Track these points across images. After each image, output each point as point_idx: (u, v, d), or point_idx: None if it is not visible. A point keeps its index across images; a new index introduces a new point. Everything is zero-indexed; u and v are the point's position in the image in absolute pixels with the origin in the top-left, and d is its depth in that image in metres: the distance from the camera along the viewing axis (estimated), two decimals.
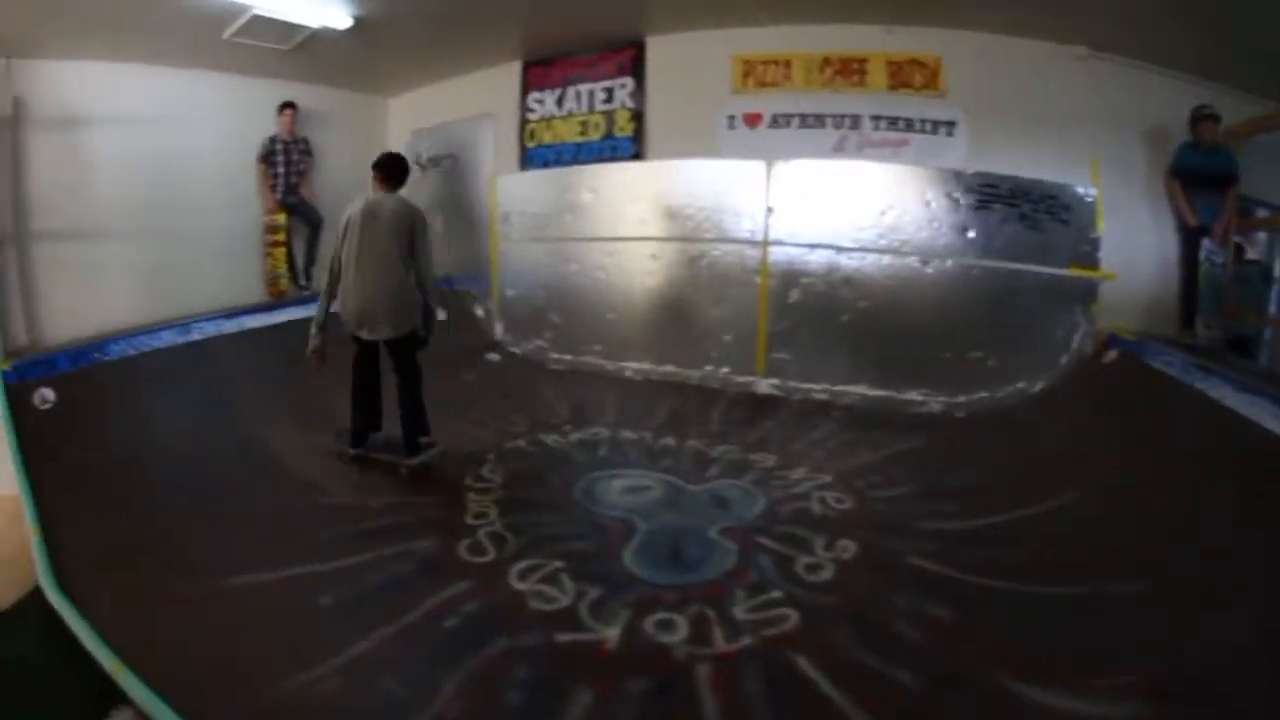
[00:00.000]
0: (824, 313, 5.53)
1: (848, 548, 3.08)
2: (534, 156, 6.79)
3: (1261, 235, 5.80)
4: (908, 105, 5.57)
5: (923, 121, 5.56)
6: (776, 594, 2.72)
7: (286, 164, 6.38)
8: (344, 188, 6.46)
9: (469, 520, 3.42)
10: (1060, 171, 5.13)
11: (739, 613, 2.60)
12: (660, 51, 6.24)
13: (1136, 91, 5.18)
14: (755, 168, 5.61)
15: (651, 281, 6.06)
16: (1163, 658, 2.21)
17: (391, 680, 2.25)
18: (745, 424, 4.95)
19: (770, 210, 5.60)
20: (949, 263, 5.29)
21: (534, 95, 6.75)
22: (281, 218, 6.42)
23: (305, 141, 6.54)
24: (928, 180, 5.30)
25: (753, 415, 5.14)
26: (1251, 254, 5.74)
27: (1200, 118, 4.86)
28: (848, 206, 5.43)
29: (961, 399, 5.16)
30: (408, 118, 7.47)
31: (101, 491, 3.43)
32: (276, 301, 6.07)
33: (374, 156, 7.91)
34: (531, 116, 6.77)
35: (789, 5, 5.53)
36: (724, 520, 3.39)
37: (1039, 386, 5.05)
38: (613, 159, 6.38)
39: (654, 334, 6.07)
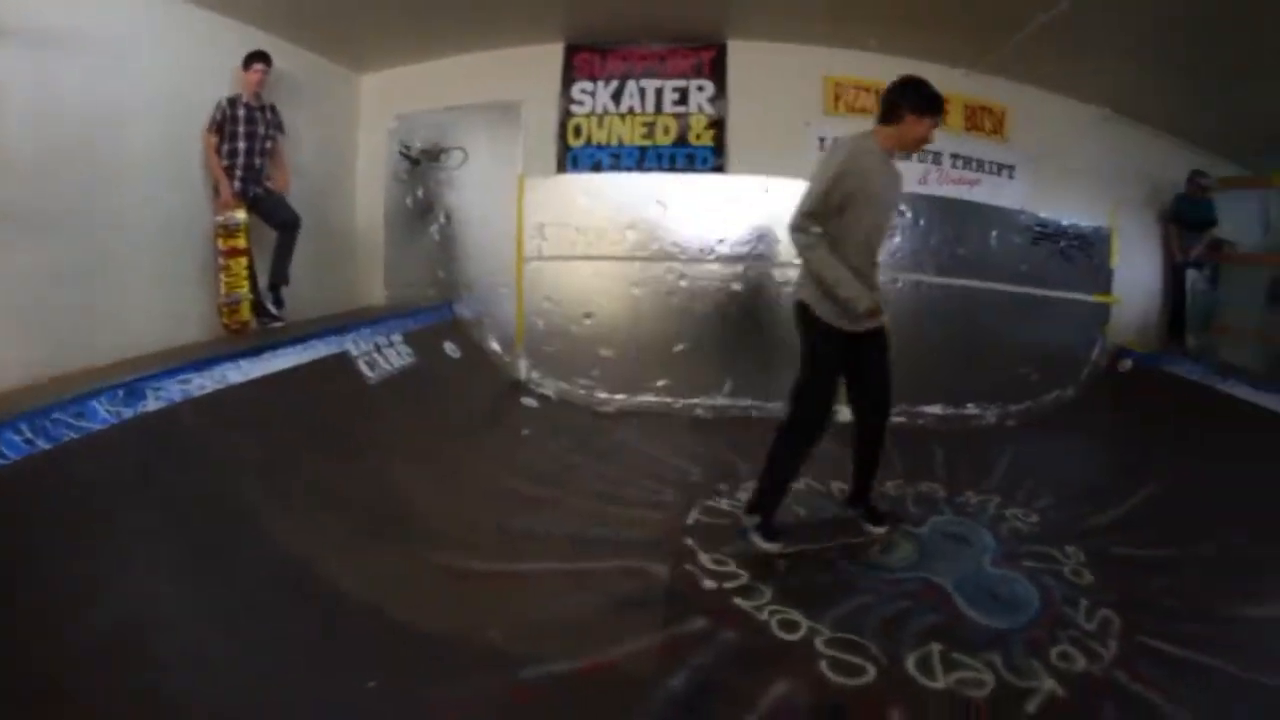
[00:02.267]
0: (904, 339, 5.64)
1: (1075, 553, 3.37)
2: (581, 157, 6.02)
3: None
4: (979, 147, 6.25)
5: (990, 163, 6.28)
6: (1086, 601, 2.94)
7: (250, 138, 4.75)
8: (313, 181, 5.20)
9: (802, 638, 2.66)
10: (1086, 213, 6.21)
11: (1084, 624, 2.77)
12: (743, 57, 6.01)
13: (1146, 150, 6.47)
14: None
15: (729, 308, 5.76)
16: None
17: None
18: None
19: None
20: (1009, 289, 6.00)
21: (581, 85, 6.00)
22: (242, 214, 4.73)
23: (274, 111, 4.96)
24: (997, 217, 6.03)
25: None
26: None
27: (1193, 177, 6.27)
28: (936, 237, 5.85)
29: (1012, 409, 5.92)
30: (387, 99, 6.15)
31: None
32: (263, 341, 4.19)
33: (346, 141, 6.46)
34: (577, 110, 6.01)
35: (882, 34, 5.73)
36: (982, 556, 3.40)
37: (1070, 394, 6.05)
38: (689, 169, 5.97)
39: (727, 366, 5.78)
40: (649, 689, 2.31)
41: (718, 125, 6.00)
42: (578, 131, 6.06)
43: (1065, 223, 6.15)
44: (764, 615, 2.80)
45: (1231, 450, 4.44)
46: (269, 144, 4.89)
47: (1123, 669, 2.48)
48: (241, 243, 4.75)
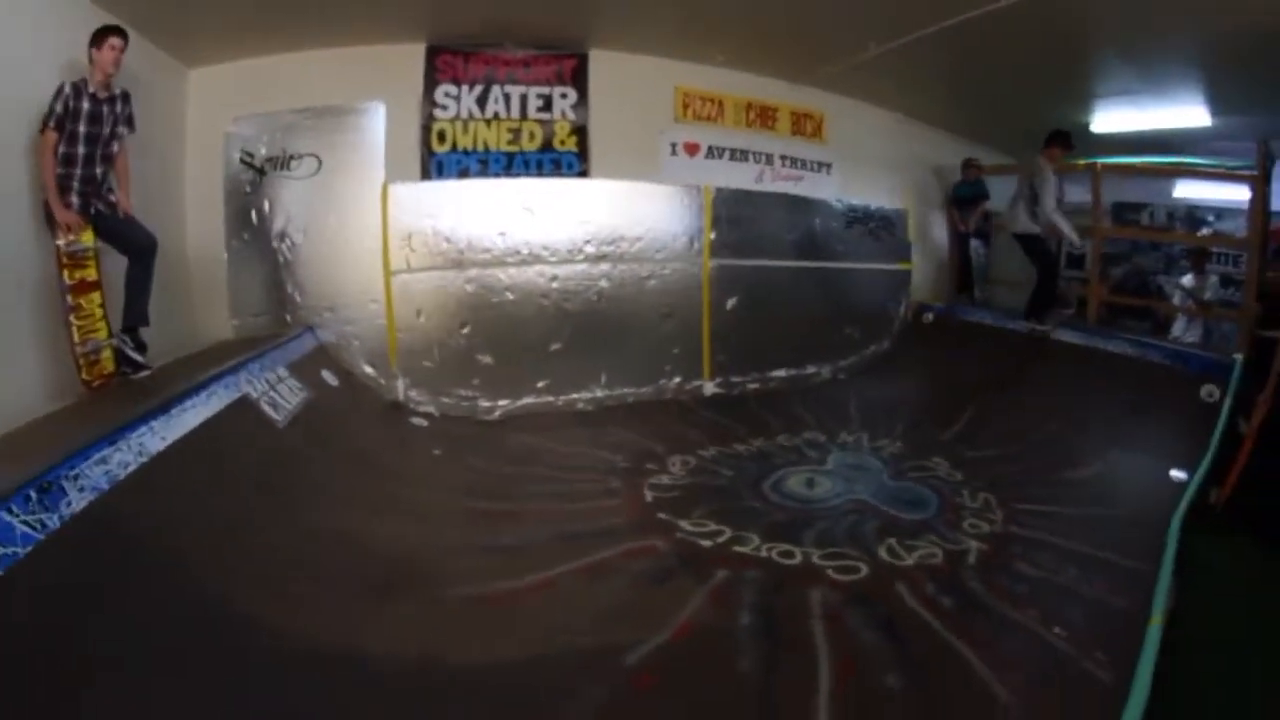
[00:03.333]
0: (751, 315, 6.65)
1: (940, 462, 4.74)
2: (447, 163, 6.02)
3: None
4: (803, 149, 7.39)
5: (812, 162, 7.42)
6: (966, 490, 4.23)
7: (92, 141, 3.86)
8: (148, 189, 4.61)
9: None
10: (887, 199, 7.55)
11: (973, 504, 4.03)
12: (604, 67, 6.39)
13: (931, 145, 7.89)
14: (696, 192, 6.31)
15: (598, 304, 6.12)
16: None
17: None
18: (750, 420, 5.75)
19: (713, 230, 6.38)
20: (832, 265, 7.12)
21: (444, 89, 5.95)
22: (90, 237, 3.94)
23: (126, 101, 4.07)
24: (818, 207, 7.10)
25: (738, 411, 5.99)
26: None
27: (967, 164, 7.74)
28: (770, 226, 6.72)
29: (842, 363, 7.17)
30: (222, 97, 5.54)
31: None
32: (169, 394, 3.25)
33: (173, 147, 5.79)
34: (441, 115, 5.96)
35: (727, 50, 6.54)
36: (881, 475, 4.57)
37: (886, 346, 7.39)
38: (555, 174, 6.22)
39: (602, 359, 6.16)
40: (732, 631, 2.77)
41: (580, 131, 6.33)
42: (442, 137, 6.06)
43: (872, 207, 7.39)
44: (764, 553, 3.46)
45: (1019, 370, 6.08)
46: (114, 146, 4.02)
47: (1011, 523, 3.76)
48: (92, 273, 3.99)
